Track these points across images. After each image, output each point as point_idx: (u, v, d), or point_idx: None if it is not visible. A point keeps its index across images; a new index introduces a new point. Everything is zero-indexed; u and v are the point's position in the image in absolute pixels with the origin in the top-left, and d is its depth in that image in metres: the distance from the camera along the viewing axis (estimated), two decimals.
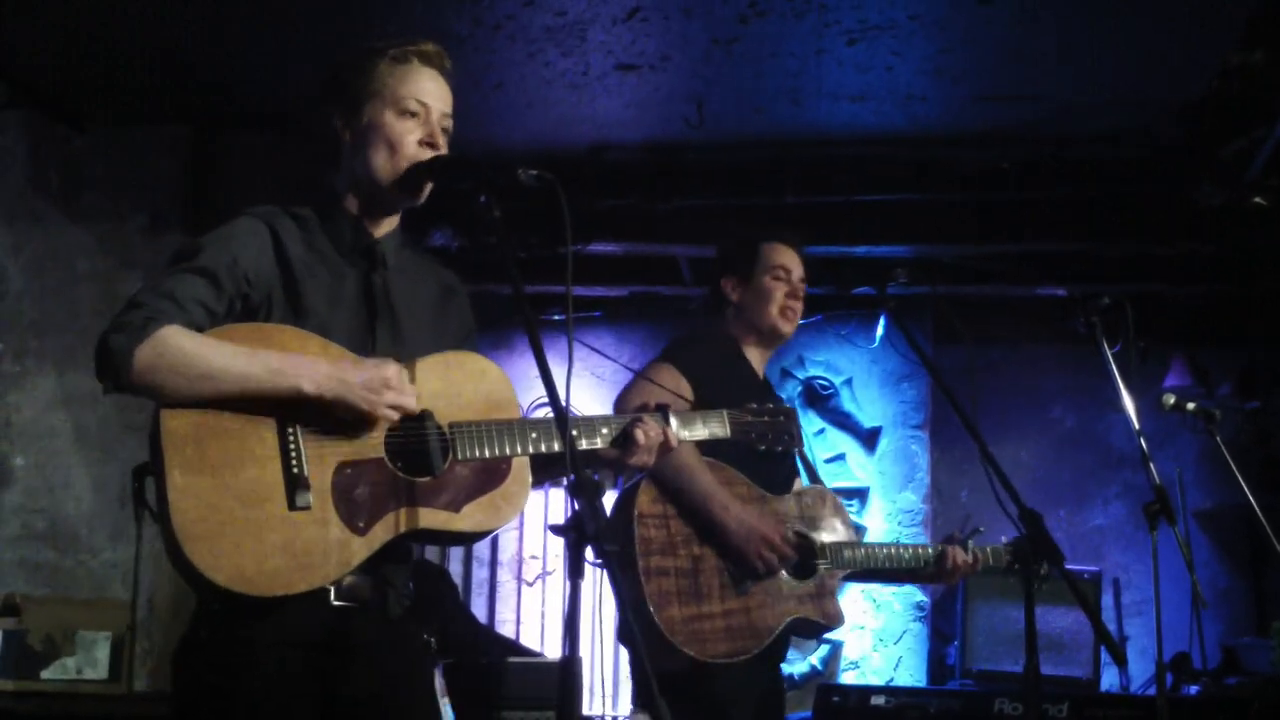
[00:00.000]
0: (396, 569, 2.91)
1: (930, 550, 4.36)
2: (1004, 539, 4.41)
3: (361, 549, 2.76)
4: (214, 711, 2.74)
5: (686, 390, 4.03)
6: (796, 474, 4.45)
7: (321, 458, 2.76)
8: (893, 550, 4.34)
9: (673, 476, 3.97)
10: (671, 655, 3.81)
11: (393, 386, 2.77)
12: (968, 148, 6.54)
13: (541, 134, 6.53)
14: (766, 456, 3.54)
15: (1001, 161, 6.61)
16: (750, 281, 4.42)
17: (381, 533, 2.78)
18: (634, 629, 3.66)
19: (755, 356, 4.46)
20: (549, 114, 6.33)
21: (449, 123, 3.04)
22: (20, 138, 6.50)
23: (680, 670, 3.81)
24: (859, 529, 4.48)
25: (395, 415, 2.79)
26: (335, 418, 2.76)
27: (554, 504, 7.42)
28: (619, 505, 4.02)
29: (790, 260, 4.46)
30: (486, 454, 2.89)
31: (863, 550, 4.26)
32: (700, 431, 3.32)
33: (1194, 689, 6.20)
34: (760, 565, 3.98)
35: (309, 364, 2.73)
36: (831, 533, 4.24)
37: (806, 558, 4.16)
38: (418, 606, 3.04)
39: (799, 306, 4.45)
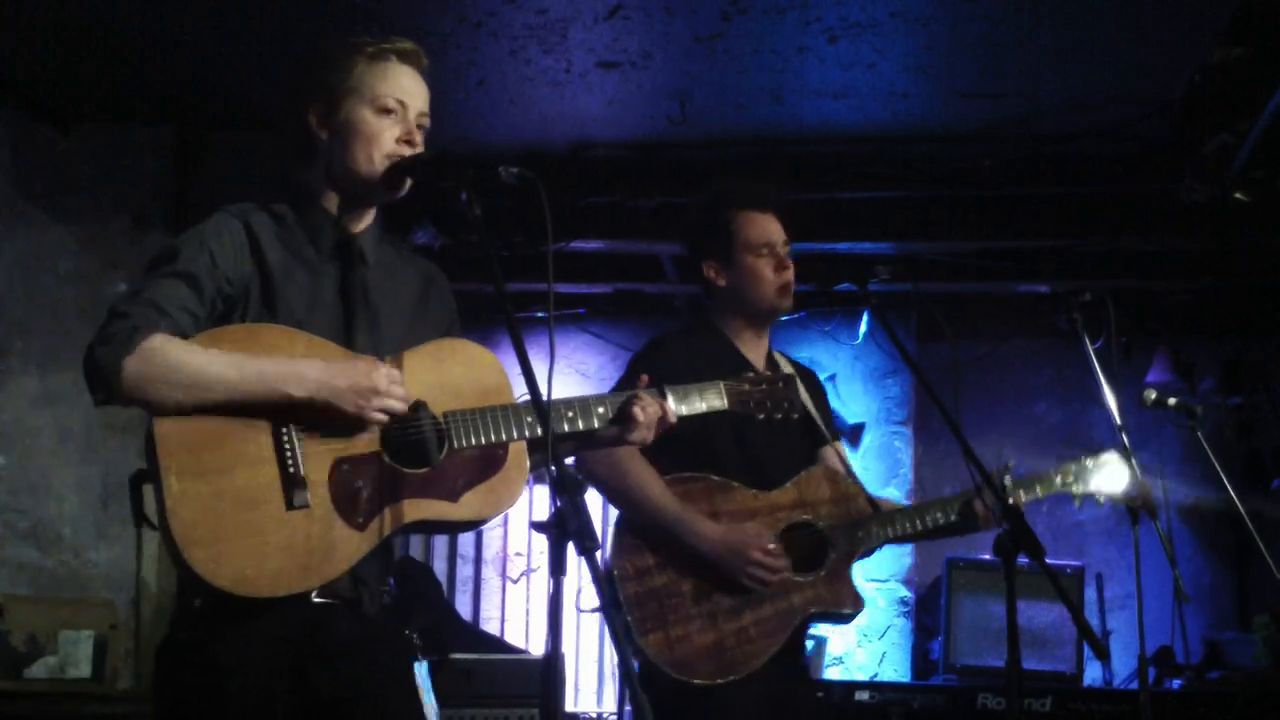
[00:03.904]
0: (372, 567, 2.90)
1: (954, 504, 4.10)
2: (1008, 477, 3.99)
3: (362, 545, 2.77)
4: (198, 712, 2.74)
5: None
6: (822, 443, 4.26)
7: (318, 456, 2.76)
8: (910, 517, 4.08)
9: (634, 511, 3.89)
10: (669, 681, 3.74)
11: (381, 391, 2.76)
12: (951, 144, 6.54)
13: (524, 132, 6.52)
14: (774, 431, 3.43)
15: (984, 158, 6.61)
16: (731, 263, 4.17)
17: (380, 528, 2.79)
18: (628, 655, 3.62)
19: (750, 341, 4.24)
20: (531, 112, 6.32)
21: (426, 121, 3.06)
22: (4, 138, 6.47)
23: (687, 695, 3.74)
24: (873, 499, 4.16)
25: (384, 418, 2.78)
26: (329, 416, 2.76)
27: (538, 501, 7.42)
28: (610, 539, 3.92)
29: (768, 230, 4.19)
30: (483, 441, 2.90)
31: (875, 526, 4.04)
32: (698, 405, 3.26)
33: (1176, 683, 6.22)
34: (750, 584, 3.85)
35: (298, 368, 2.73)
36: (841, 515, 4.03)
37: (813, 549, 3.99)
38: (398, 604, 3.04)
39: (791, 276, 4.19)
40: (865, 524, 4.05)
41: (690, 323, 4.38)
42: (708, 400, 3.29)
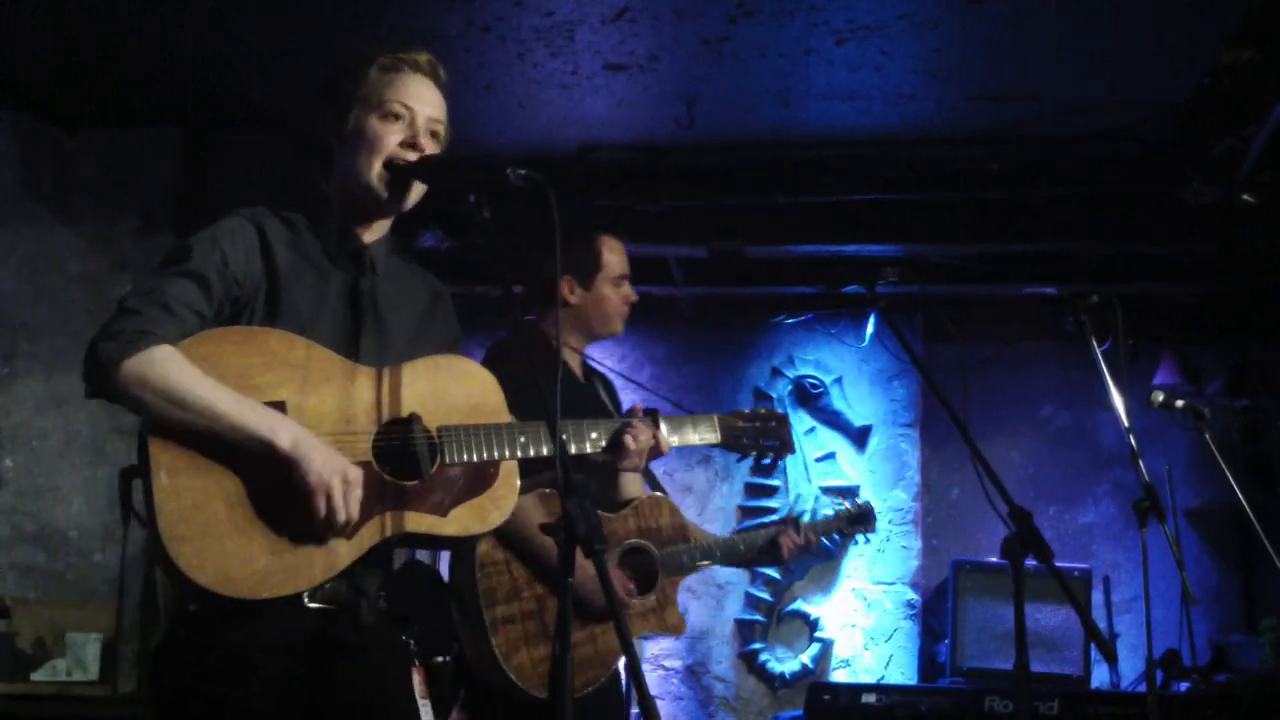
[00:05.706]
0: (369, 575, 2.90)
1: (761, 537, 4.48)
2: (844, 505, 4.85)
3: (348, 552, 2.76)
4: (197, 716, 2.73)
5: None
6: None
7: None
8: (725, 543, 4.39)
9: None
10: (528, 699, 3.78)
11: (336, 491, 2.70)
12: (958, 147, 6.55)
13: (531, 134, 6.53)
14: None
15: (991, 161, 6.61)
16: (591, 286, 4.37)
17: (368, 536, 2.78)
18: (483, 677, 3.72)
19: (573, 357, 4.38)
20: (538, 114, 6.33)
21: (439, 128, 3.04)
22: (11, 140, 6.49)
23: (539, 711, 3.76)
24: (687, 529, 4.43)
25: (323, 514, 2.70)
26: (325, 424, 2.76)
27: None
28: (460, 556, 3.93)
29: (624, 262, 4.47)
30: (474, 458, 2.90)
31: (698, 551, 4.28)
32: (691, 437, 3.35)
33: (1184, 686, 6.21)
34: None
35: (283, 424, 2.70)
36: (671, 542, 4.21)
37: (647, 573, 4.16)
38: (395, 609, 3.03)
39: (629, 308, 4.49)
40: (690, 551, 4.27)
41: (526, 333, 4.33)
42: (700, 433, 3.37)
